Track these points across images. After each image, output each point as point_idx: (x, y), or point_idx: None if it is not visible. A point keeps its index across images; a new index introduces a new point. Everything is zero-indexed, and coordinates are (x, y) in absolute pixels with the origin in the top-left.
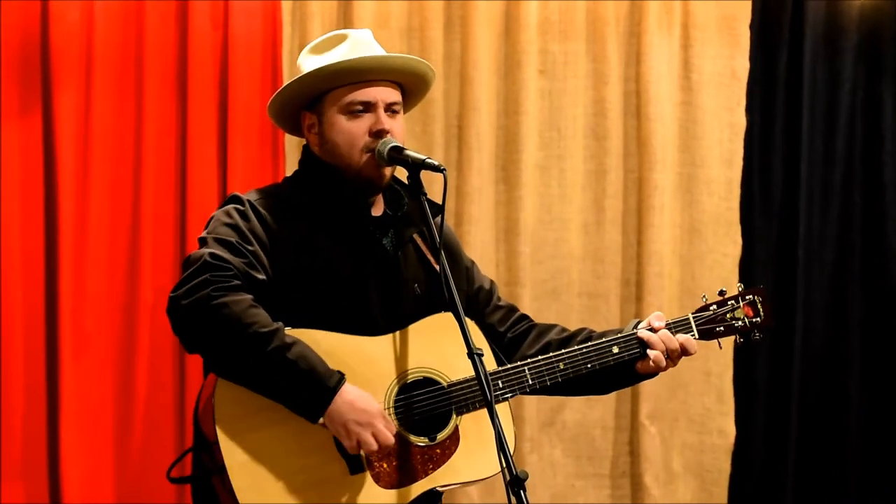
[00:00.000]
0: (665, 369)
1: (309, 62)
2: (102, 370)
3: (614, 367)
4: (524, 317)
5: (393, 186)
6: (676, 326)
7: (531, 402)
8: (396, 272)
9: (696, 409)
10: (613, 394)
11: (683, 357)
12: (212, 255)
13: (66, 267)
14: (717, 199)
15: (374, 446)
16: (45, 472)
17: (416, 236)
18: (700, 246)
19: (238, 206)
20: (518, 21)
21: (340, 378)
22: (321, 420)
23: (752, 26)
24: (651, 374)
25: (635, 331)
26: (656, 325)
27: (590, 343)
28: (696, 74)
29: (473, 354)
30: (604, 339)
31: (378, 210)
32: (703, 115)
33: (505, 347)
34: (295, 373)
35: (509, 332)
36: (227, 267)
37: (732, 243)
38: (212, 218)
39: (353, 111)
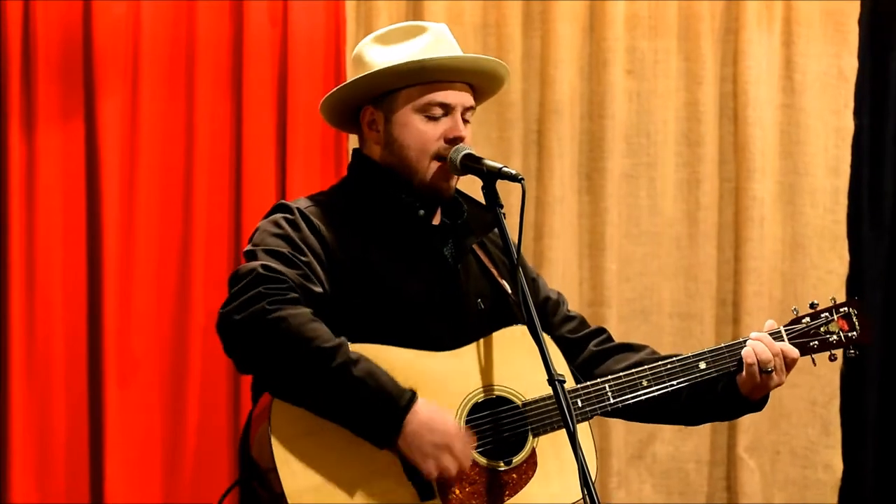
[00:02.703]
0: (768, 384)
1: (376, 53)
2: (150, 399)
3: (712, 390)
4: (603, 329)
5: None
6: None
7: (618, 434)
8: (458, 285)
9: (799, 441)
10: (708, 424)
11: (786, 373)
12: (264, 266)
13: (110, 286)
14: (821, 210)
15: (454, 471)
16: None
17: (476, 247)
18: (803, 262)
19: (287, 216)
20: (604, 16)
21: (412, 397)
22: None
23: (860, 21)
24: (756, 398)
25: (723, 345)
26: (753, 335)
27: (675, 358)
28: (799, 74)
29: (555, 381)
30: (690, 355)
31: (436, 219)
32: (807, 119)
33: (586, 361)
34: (362, 392)
35: (591, 342)
36: (282, 279)
37: (839, 259)
38: (257, 229)
39: (431, 113)
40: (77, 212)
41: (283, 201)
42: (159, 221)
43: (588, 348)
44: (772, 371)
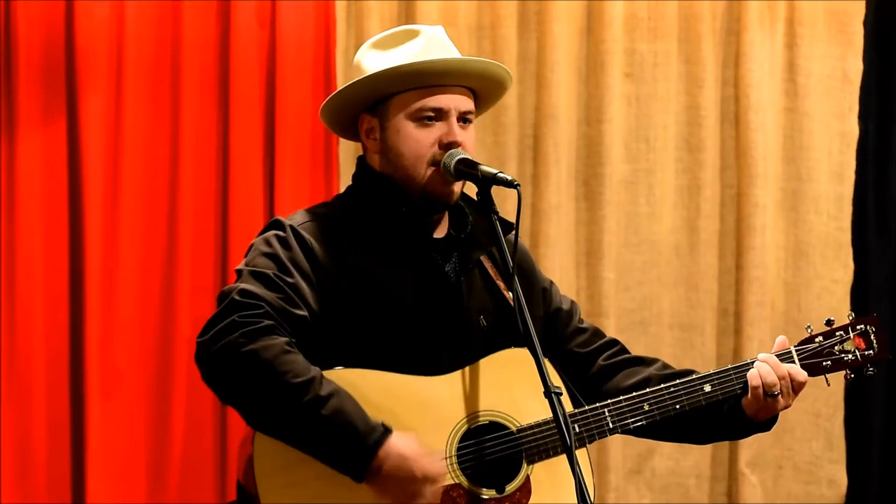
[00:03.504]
0: (774, 406)
1: (372, 58)
2: (134, 412)
3: (717, 411)
4: (615, 342)
5: (458, 204)
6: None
7: (617, 448)
8: (459, 302)
9: (802, 455)
10: None
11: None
12: (242, 291)
13: (92, 295)
14: (825, 217)
15: None
16: None
17: (483, 259)
18: (807, 271)
19: (279, 233)
20: (601, 17)
21: (383, 433)
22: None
23: (865, 23)
24: (763, 419)
25: (730, 367)
26: (760, 357)
27: (678, 381)
28: (802, 77)
29: (551, 394)
30: (695, 377)
31: (442, 231)
32: (811, 123)
33: (595, 375)
34: (330, 430)
35: (600, 357)
36: (257, 305)
37: (843, 268)
38: (251, 246)
39: (423, 118)
40: (59, 218)
41: (277, 217)
42: (143, 228)
43: (597, 363)
44: (778, 394)
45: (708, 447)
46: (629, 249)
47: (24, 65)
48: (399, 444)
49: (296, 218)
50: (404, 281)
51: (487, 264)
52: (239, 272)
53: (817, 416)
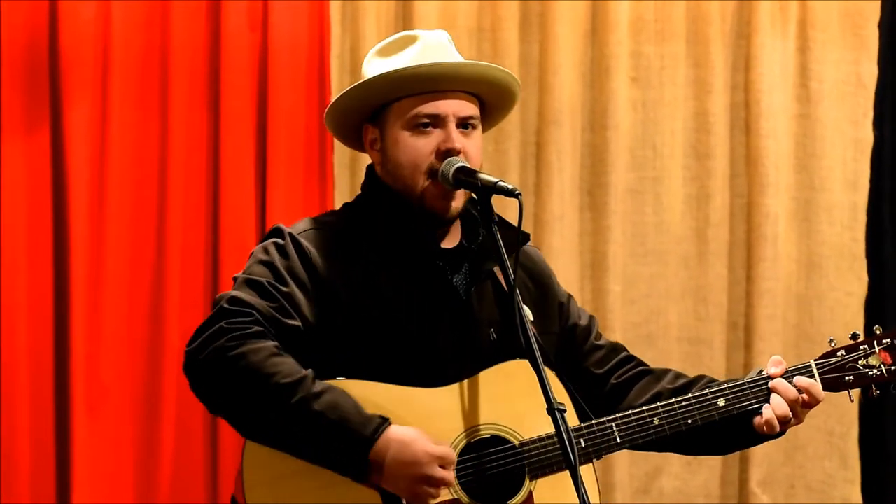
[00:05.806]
0: (785, 427)
1: (374, 66)
2: (121, 428)
3: (725, 425)
4: (631, 358)
5: (471, 213)
6: (795, 374)
7: (623, 467)
8: (469, 314)
9: (815, 474)
10: (719, 457)
11: (805, 409)
12: (231, 299)
13: (78, 307)
14: (839, 227)
15: (435, 498)
16: None
17: (497, 270)
18: (820, 283)
19: (278, 241)
20: (606, 19)
21: (380, 424)
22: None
23: (881, 25)
24: (769, 433)
25: (745, 380)
26: (772, 371)
27: (691, 396)
28: (815, 82)
29: (555, 410)
30: (709, 391)
31: (452, 241)
32: (824, 130)
33: (607, 395)
34: (324, 425)
35: (612, 377)
36: (246, 312)
37: (857, 280)
38: (252, 254)
39: (419, 126)
40: (43, 228)
41: (279, 225)
42: (131, 238)
43: (609, 383)
44: (791, 421)
45: (717, 466)
46: (635, 261)
47: (6, 68)
48: (398, 431)
49: (298, 226)
50: (412, 293)
51: (500, 277)
52: (235, 280)
53: (830, 434)
